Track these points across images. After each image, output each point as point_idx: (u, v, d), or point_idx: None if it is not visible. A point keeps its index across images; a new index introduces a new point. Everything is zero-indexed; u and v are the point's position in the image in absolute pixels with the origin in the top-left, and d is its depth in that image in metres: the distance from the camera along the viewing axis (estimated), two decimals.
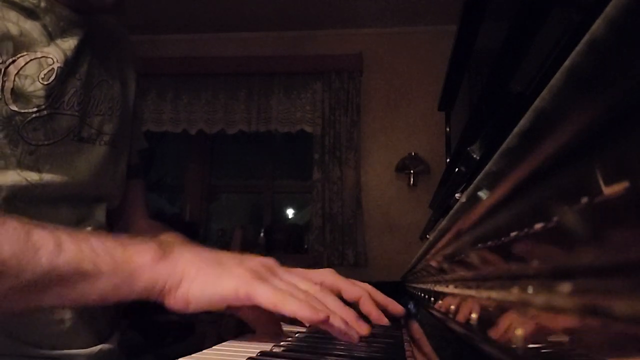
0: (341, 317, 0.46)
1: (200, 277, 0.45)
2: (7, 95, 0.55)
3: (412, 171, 2.73)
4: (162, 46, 3.04)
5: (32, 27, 0.58)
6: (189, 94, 2.97)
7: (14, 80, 0.55)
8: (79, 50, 0.62)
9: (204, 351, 0.42)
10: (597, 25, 0.10)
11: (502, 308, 0.20)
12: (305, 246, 2.91)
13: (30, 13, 0.58)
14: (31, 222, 0.43)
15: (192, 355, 0.40)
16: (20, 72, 0.56)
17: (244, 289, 0.44)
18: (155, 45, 3.01)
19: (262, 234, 2.90)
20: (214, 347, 0.45)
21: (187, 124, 2.95)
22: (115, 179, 0.72)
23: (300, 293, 0.46)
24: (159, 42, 3.03)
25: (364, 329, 0.46)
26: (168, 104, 2.97)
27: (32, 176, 0.57)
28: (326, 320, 0.44)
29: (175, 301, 0.45)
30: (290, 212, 3.52)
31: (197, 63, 2.96)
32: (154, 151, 3.12)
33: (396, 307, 0.62)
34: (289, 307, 0.43)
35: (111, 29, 0.73)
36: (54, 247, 0.42)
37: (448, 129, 1.33)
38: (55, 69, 0.59)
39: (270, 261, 0.52)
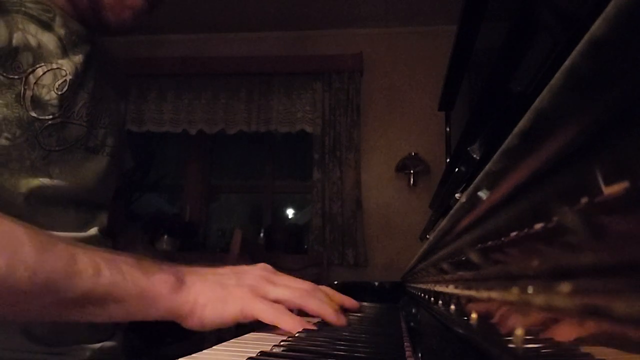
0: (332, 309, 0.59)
1: (210, 304, 0.54)
2: (27, 102, 0.59)
3: (412, 171, 2.72)
4: (162, 46, 3.04)
5: (48, 40, 0.61)
6: (189, 94, 2.96)
7: (33, 88, 0.59)
8: (86, 65, 0.66)
9: (204, 351, 0.42)
10: (597, 25, 0.10)
11: (502, 308, 0.20)
12: (305, 246, 2.90)
13: (46, 26, 0.61)
14: (75, 246, 0.49)
15: (192, 355, 0.40)
16: (39, 82, 0.60)
17: (248, 309, 0.54)
18: (155, 45, 3.02)
19: (262, 234, 2.89)
20: (214, 347, 0.45)
21: (187, 124, 2.94)
22: (111, 189, 0.76)
23: (296, 293, 0.58)
24: (159, 42, 3.04)
25: (342, 321, 0.59)
26: (168, 104, 2.97)
27: (45, 179, 0.61)
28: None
29: (191, 324, 0.55)
30: (290, 212, 3.52)
31: (197, 63, 2.96)
32: (153, 152, 3.12)
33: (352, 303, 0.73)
34: (285, 325, 0.54)
35: (107, 52, 0.77)
36: (93, 273, 0.48)
37: (448, 129, 1.33)
38: (68, 80, 0.63)
39: (264, 269, 0.61)
